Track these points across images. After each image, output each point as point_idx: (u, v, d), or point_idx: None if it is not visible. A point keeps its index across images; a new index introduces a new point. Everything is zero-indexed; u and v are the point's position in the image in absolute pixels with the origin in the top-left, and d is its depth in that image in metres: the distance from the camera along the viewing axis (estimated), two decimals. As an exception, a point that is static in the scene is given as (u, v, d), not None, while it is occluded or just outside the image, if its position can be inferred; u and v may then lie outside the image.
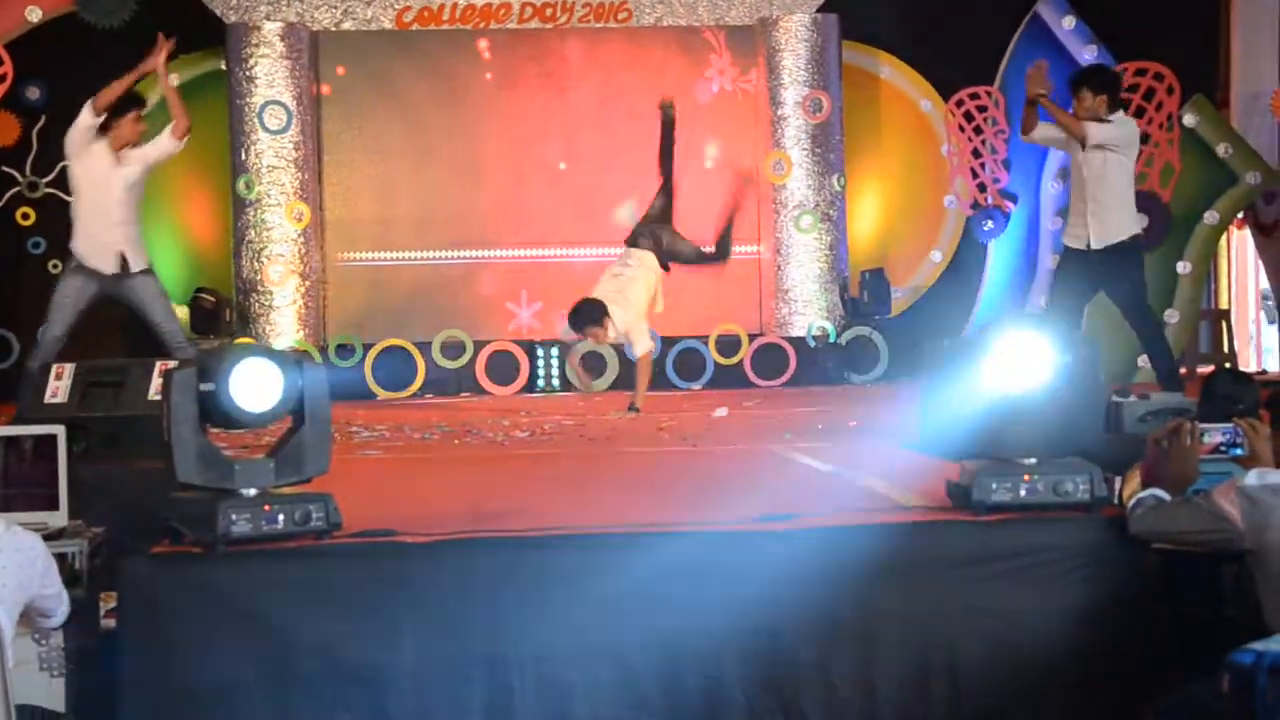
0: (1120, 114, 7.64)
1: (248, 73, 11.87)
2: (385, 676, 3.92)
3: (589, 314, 8.77)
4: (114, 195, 7.86)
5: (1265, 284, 12.49)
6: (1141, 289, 7.57)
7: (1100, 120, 7.45)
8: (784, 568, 4.04)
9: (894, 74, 13.11)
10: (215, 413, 3.94)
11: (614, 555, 4.03)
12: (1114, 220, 7.46)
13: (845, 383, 11.98)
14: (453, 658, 3.94)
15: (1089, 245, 7.47)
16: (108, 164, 7.86)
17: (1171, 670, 3.99)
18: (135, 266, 7.93)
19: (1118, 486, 4.31)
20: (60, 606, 3.59)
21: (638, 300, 9.00)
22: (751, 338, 12.27)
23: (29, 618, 3.52)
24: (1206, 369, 10.58)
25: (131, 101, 8.06)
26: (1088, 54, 11.92)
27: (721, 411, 8.77)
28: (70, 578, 3.86)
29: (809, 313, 12.40)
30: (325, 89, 12.35)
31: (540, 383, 11.83)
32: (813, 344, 12.21)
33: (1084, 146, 7.46)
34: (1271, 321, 12.79)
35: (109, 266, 7.86)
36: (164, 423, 3.92)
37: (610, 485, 5.52)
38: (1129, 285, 7.53)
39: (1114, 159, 7.47)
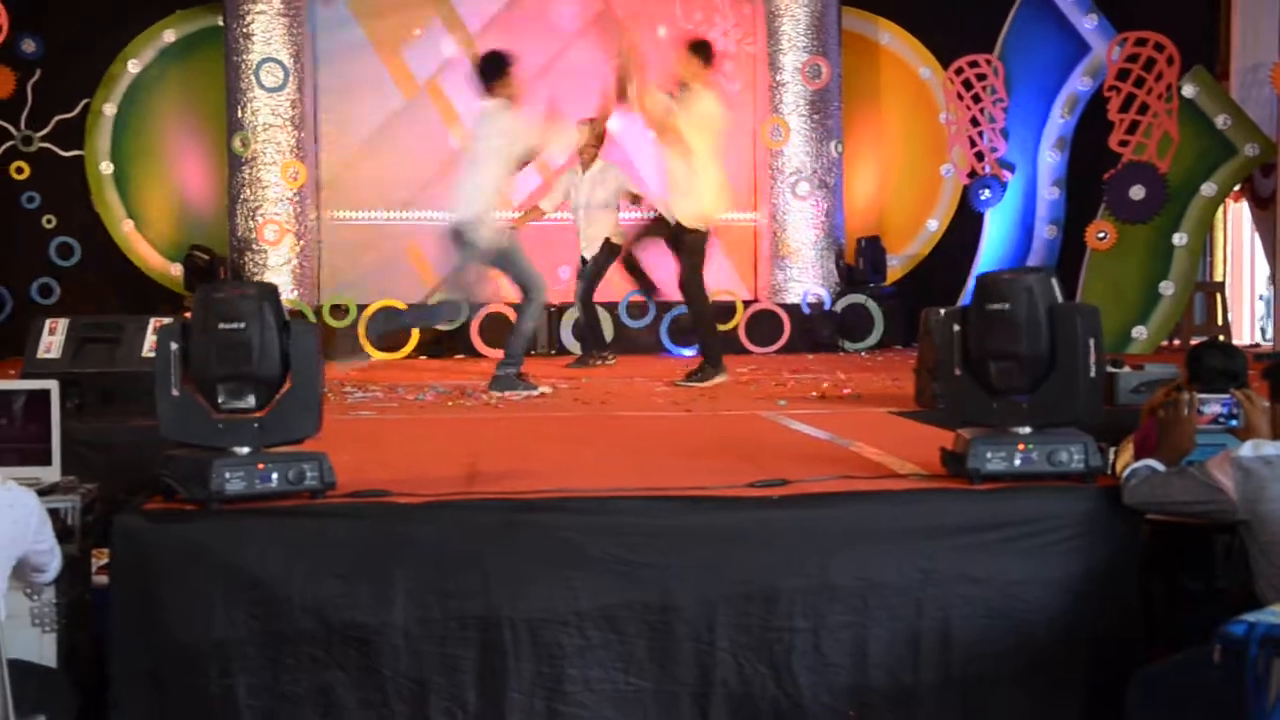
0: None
1: (245, 29, 11.80)
2: (378, 636, 3.92)
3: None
4: None
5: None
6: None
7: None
8: (777, 534, 4.04)
9: (894, 41, 13.06)
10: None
11: (607, 519, 4.03)
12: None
13: (839, 350, 11.99)
14: (446, 619, 3.93)
15: None
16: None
17: (1162, 641, 4.01)
18: None
19: (1112, 457, 4.31)
20: (53, 562, 3.59)
21: None
22: (746, 304, 12.26)
23: (22, 573, 3.52)
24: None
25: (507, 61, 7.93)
26: (1088, 23, 11.89)
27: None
28: (63, 533, 3.85)
29: (804, 280, 12.39)
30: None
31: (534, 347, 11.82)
32: (808, 311, 12.20)
33: None
34: None
35: None
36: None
37: (604, 449, 5.51)
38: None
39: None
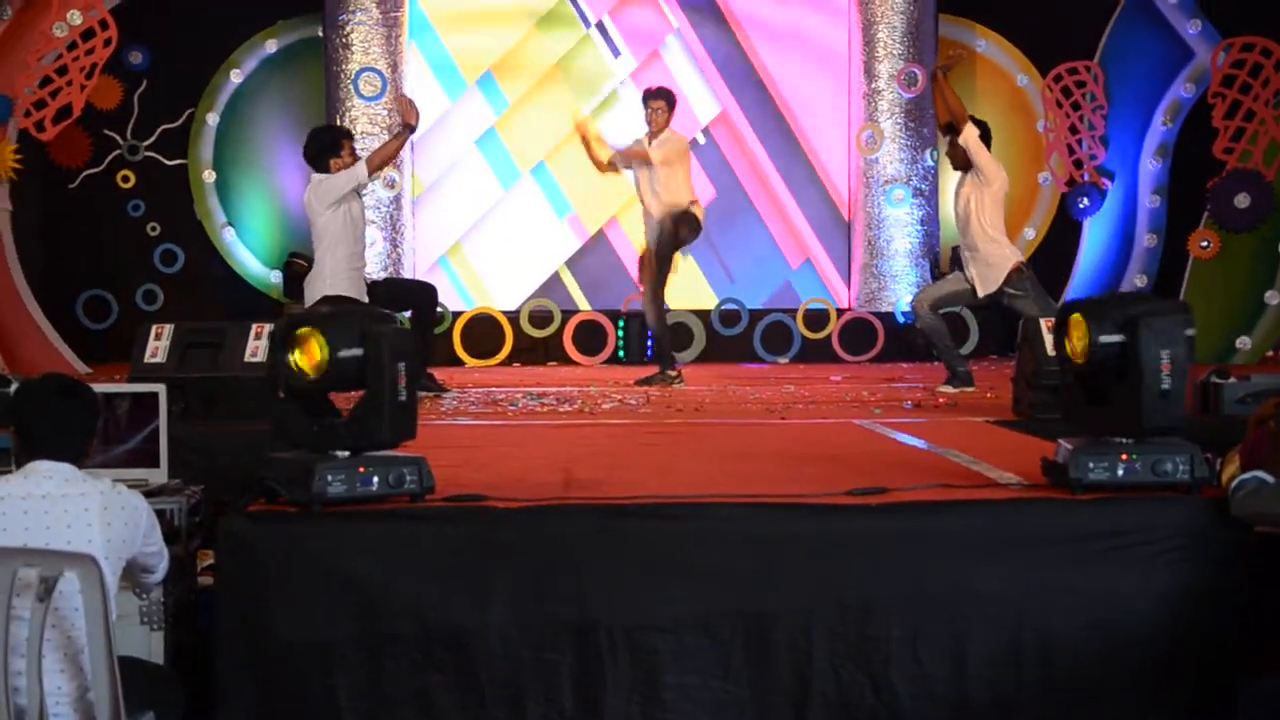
0: None
1: (344, 39, 11.97)
2: (475, 640, 3.94)
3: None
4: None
5: None
6: None
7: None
8: (875, 542, 4.02)
9: (991, 48, 12.92)
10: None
11: (703, 525, 4.03)
12: None
13: (935, 359, 11.86)
14: (542, 624, 3.95)
15: None
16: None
17: (1270, 655, 3.92)
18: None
19: (1218, 468, 4.23)
20: (161, 563, 3.64)
21: None
22: (840, 312, 12.20)
23: (131, 574, 3.58)
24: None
25: (345, 132, 8.36)
26: (1191, 28, 11.67)
27: None
28: (169, 534, 3.92)
29: (898, 288, 12.30)
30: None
31: (624, 353, 11.86)
32: (902, 319, 12.11)
33: None
34: None
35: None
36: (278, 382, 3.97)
37: (699, 456, 5.51)
38: None
39: None
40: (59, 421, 3.44)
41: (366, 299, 7.85)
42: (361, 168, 7.79)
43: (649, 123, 9.04)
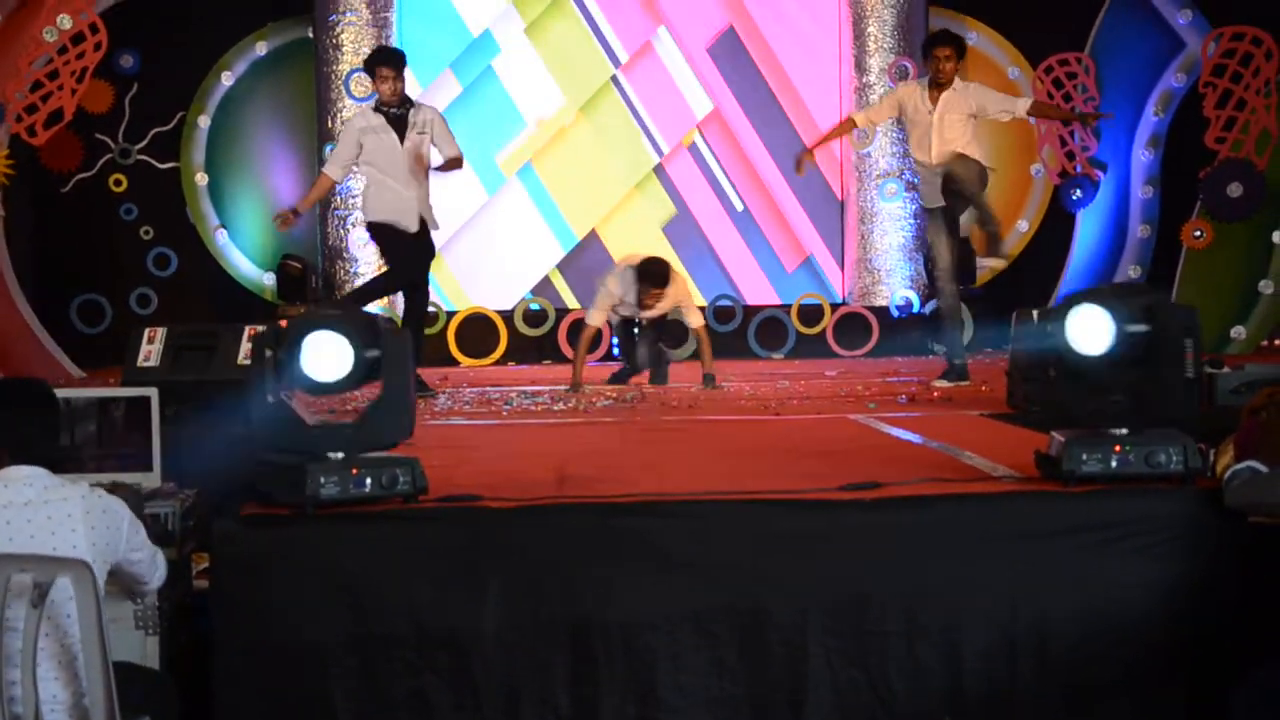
0: None
1: (334, 40, 11.95)
2: (470, 640, 3.95)
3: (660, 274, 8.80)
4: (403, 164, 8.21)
5: None
6: None
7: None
8: (869, 537, 4.02)
9: (982, 40, 12.90)
10: (290, 380, 4.01)
11: (698, 522, 4.03)
12: None
13: (929, 353, 11.87)
14: (537, 623, 3.96)
15: None
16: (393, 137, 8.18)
17: (1264, 645, 3.92)
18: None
19: (1212, 458, 4.23)
20: (155, 572, 3.60)
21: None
22: (834, 307, 12.19)
23: (124, 582, 3.56)
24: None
25: (387, 60, 8.28)
26: (1182, 18, 11.67)
27: None
28: (163, 538, 3.92)
29: (892, 282, 12.30)
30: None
31: (618, 352, 11.82)
32: (896, 314, 12.12)
33: None
34: None
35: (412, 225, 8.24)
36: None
37: (693, 453, 5.51)
38: None
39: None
40: (23, 425, 3.41)
41: (414, 229, 8.23)
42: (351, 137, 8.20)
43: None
